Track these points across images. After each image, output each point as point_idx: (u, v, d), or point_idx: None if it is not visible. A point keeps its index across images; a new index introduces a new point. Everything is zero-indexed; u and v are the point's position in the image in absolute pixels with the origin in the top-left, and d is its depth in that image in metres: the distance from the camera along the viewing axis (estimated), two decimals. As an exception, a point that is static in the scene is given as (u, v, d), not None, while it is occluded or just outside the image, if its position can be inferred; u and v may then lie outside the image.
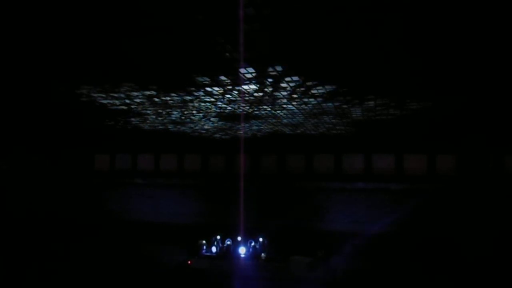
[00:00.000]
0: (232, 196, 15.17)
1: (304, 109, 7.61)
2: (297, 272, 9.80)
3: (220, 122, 9.60)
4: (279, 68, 4.87)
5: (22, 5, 3.10)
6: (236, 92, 6.25)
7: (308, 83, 5.64)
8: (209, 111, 8.08)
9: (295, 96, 6.49)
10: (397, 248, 12.53)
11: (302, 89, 6.00)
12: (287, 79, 5.38)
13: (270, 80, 5.47)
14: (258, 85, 5.79)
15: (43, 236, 15.05)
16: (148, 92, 6.49)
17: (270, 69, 4.92)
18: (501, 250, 11.67)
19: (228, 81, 5.56)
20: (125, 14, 3.25)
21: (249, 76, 5.26)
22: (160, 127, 10.46)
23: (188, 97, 6.77)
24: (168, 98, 6.92)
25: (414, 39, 3.77)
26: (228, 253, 11.06)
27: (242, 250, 10.85)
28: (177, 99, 6.98)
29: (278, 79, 5.41)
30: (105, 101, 7.28)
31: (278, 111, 7.93)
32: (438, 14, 3.16)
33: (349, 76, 5.23)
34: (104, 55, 4.47)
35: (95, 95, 6.72)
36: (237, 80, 5.51)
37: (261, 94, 6.37)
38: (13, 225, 15.36)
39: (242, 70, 4.99)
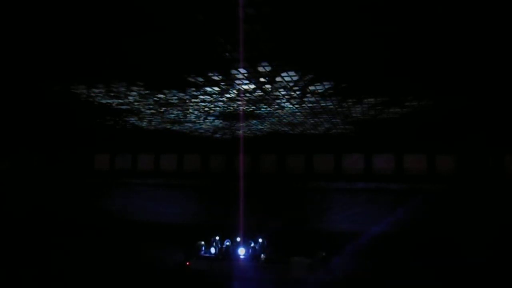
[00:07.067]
0: (231, 196, 15.14)
1: (304, 108, 7.58)
2: (297, 273, 9.76)
3: (219, 122, 9.56)
4: (278, 67, 4.84)
5: (16, 6, 3.07)
6: (235, 91, 6.21)
7: (308, 82, 5.61)
8: (208, 110, 8.05)
9: (294, 95, 6.45)
10: (397, 248, 12.51)
11: (302, 87, 5.97)
12: (287, 78, 5.34)
13: (269, 79, 5.44)
14: (257, 84, 5.76)
15: (43, 236, 15.01)
16: (147, 91, 6.45)
17: (270, 68, 4.89)
18: (501, 250, 11.64)
19: (228, 80, 5.52)
20: (125, 14, 3.21)
21: (248, 75, 5.22)
22: (160, 126, 10.43)
23: (188, 96, 6.74)
24: (168, 97, 6.88)
25: (415, 38, 3.73)
26: (227, 254, 11.00)
27: (241, 251, 10.79)
28: (177, 98, 6.94)
29: (278, 78, 5.37)
30: (104, 101, 7.24)
31: (278, 110, 7.89)
32: (439, 13, 3.13)
33: (349, 74, 5.20)
34: (105, 55, 4.44)
35: (94, 94, 6.69)
36: (236, 79, 5.48)
37: (260, 93, 6.33)
38: (13, 224, 15.32)
39: (242, 70, 4.95)
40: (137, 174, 16.88)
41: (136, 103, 7.41)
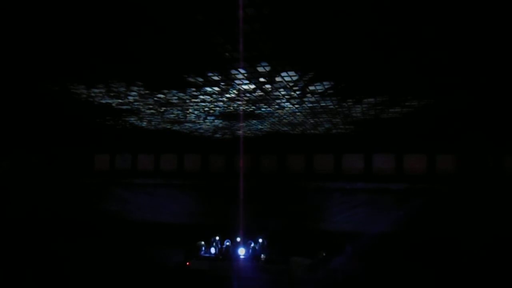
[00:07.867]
0: (231, 196, 15.12)
1: (304, 108, 7.58)
2: (297, 273, 9.74)
3: (219, 122, 9.56)
4: (278, 67, 4.84)
5: (16, 5, 3.06)
6: (235, 91, 6.21)
7: (308, 82, 5.61)
8: (208, 110, 8.05)
9: (294, 95, 6.45)
10: (398, 248, 12.50)
11: (302, 87, 5.96)
12: (287, 78, 5.34)
13: (269, 79, 5.44)
14: (257, 84, 5.75)
15: (43, 236, 15.01)
16: (147, 91, 6.45)
17: (270, 68, 4.89)
18: (501, 250, 11.64)
19: (228, 80, 5.52)
20: (124, 14, 3.21)
21: (248, 75, 5.22)
22: (160, 126, 10.43)
23: (188, 96, 6.74)
24: (168, 97, 6.88)
25: (415, 38, 3.73)
26: (227, 254, 10.98)
27: (241, 251, 10.77)
28: (177, 98, 6.94)
29: (278, 78, 5.37)
30: (104, 101, 7.24)
31: (278, 111, 7.89)
32: (439, 14, 3.12)
33: (349, 74, 5.20)
34: (105, 55, 4.43)
35: (94, 94, 6.68)
36: (236, 79, 5.47)
37: (260, 93, 6.33)
38: (12, 224, 15.32)
39: (241, 70, 4.95)
40: (137, 174, 16.87)
41: (136, 103, 7.41)
